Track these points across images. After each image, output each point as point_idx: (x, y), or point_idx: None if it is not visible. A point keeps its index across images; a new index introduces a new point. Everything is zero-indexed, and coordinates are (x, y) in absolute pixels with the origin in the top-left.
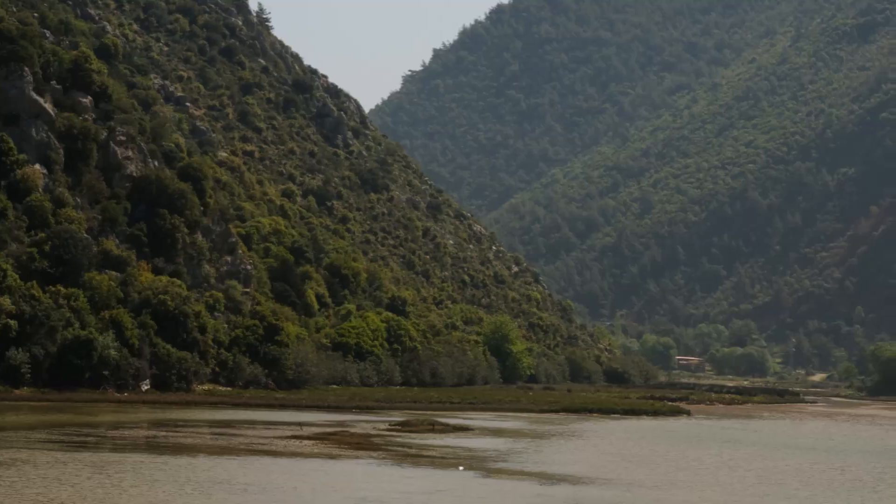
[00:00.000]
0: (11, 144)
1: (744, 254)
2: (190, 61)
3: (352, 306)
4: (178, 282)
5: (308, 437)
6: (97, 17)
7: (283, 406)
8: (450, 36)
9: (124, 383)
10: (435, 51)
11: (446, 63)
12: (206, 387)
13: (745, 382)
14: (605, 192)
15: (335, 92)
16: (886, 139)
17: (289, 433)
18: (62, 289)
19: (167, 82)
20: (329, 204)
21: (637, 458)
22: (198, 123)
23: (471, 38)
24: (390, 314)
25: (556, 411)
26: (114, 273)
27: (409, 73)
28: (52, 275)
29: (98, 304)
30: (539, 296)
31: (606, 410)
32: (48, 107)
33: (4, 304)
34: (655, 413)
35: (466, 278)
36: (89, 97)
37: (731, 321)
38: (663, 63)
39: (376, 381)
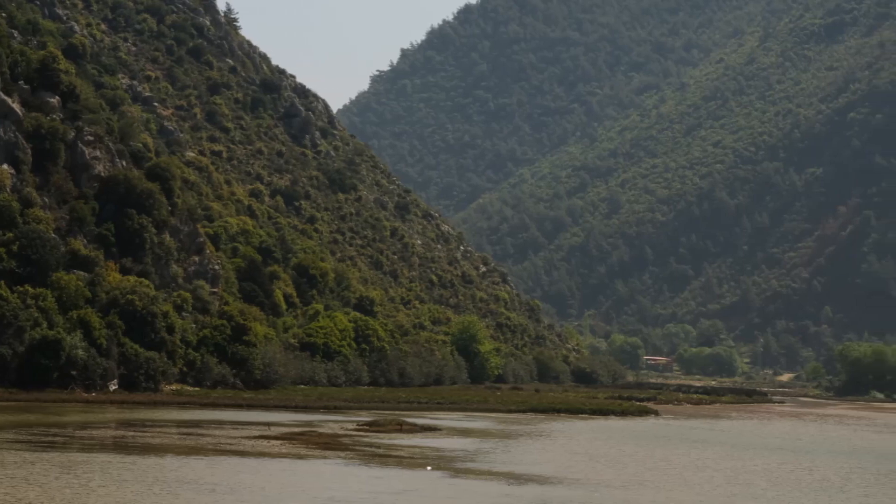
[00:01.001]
0: None
1: (712, 254)
2: (158, 61)
3: (320, 306)
4: (146, 282)
5: (276, 438)
6: (65, 18)
7: (250, 406)
8: (418, 36)
9: (92, 383)
10: (403, 51)
11: (414, 63)
12: (174, 387)
13: (713, 382)
14: (573, 192)
15: (303, 92)
16: (854, 139)
17: (257, 433)
18: (30, 289)
19: (135, 82)
20: (297, 204)
21: (605, 458)
22: (166, 123)
23: (439, 37)
24: (358, 314)
25: (524, 411)
26: (82, 273)
27: (377, 72)
28: (19, 275)
29: (66, 304)
30: (507, 296)
31: (574, 410)
32: (16, 107)
33: None
34: (623, 413)
35: (434, 278)
36: (57, 97)
37: (698, 321)
38: (631, 63)
39: (344, 381)
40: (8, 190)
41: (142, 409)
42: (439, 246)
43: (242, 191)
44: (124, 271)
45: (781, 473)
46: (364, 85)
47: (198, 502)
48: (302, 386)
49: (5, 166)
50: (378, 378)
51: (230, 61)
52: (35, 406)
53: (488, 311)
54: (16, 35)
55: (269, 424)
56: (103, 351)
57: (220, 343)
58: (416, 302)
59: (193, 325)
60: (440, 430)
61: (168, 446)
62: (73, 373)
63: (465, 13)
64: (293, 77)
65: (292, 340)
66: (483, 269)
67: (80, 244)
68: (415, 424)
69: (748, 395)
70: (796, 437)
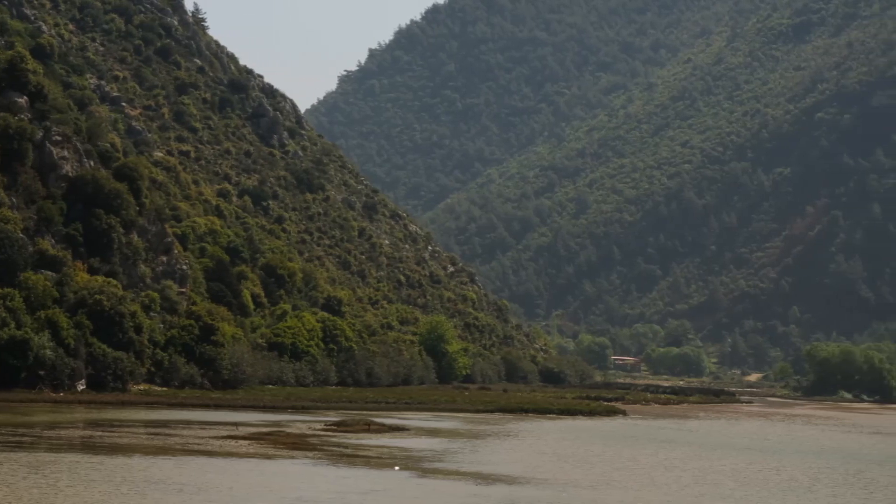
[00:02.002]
0: None
1: (679, 254)
2: (126, 61)
3: (287, 306)
4: (114, 282)
5: (243, 437)
6: (33, 17)
7: (218, 406)
8: (385, 36)
9: (60, 383)
10: (371, 50)
11: (382, 63)
12: (141, 387)
13: (681, 382)
14: (541, 192)
15: (271, 92)
16: (822, 139)
17: (224, 433)
18: None
19: (103, 82)
20: (265, 204)
21: (572, 458)
22: (133, 123)
23: (406, 38)
24: (326, 314)
25: (492, 411)
26: (50, 273)
27: (345, 72)
28: None
29: (34, 304)
30: (475, 296)
31: (542, 410)
32: None
33: None
34: (591, 413)
35: (402, 278)
36: (25, 97)
37: (666, 321)
38: (599, 63)
39: (312, 381)
40: None
41: (110, 409)
42: (407, 246)
43: (210, 191)
44: (92, 271)
45: (749, 473)
46: (332, 85)
47: (165, 502)
48: (270, 386)
49: None
50: (346, 378)
51: (198, 61)
52: (2, 406)
53: (456, 311)
54: None
55: (236, 424)
56: (71, 351)
57: (188, 343)
58: (384, 302)
59: (161, 325)
60: (408, 430)
61: (136, 446)
62: (41, 373)
63: (432, 13)
64: (261, 77)
65: (260, 340)
66: (451, 269)
67: (47, 244)
68: (383, 424)
69: (716, 396)
70: (764, 437)
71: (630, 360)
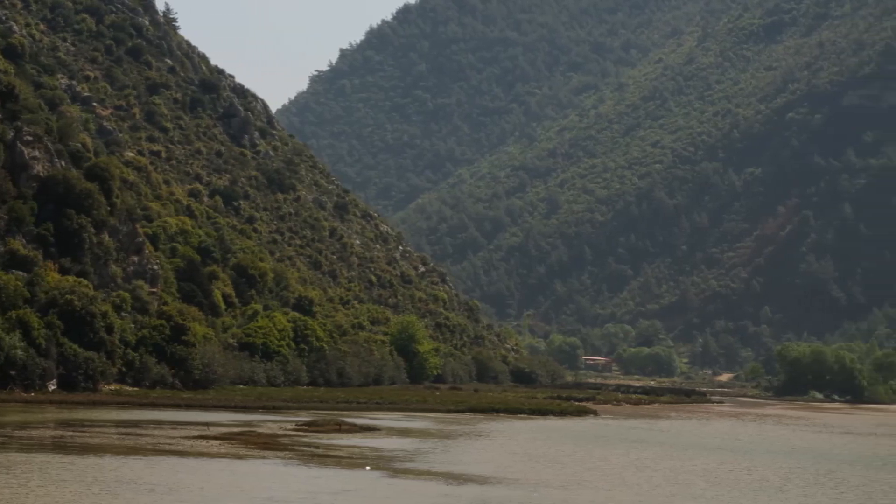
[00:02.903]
0: None
1: (650, 254)
2: (97, 61)
3: (258, 306)
4: (85, 282)
5: (215, 437)
6: (4, 17)
7: (189, 406)
8: (357, 36)
9: (31, 383)
10: (342, 51)
11: (353, 63)
12: (112, 387)
13: (652, 382)
14: (512, 192)
15: (242, 92)
16: (793, 139)
17: (195, 433)
18: None
19: (74, 82)
20: (236, 204)
21: (544, 458)
22: (104, 123)
23: (378, 38)
24: (297, 314)
25: (463, 411)
26: (20, 273)
27: (316, 72)
28: None
29: (4, 304)
30: (446, 296)
31: (513, 410)
32: None
33: None
34: (562, 413)
35: (373, 278)
36: None
37: (637, 321)
38: (570, 63)
39: (283, 381)
40: None
41: (81, 409)
42: (378, 246)
43: (181, 191)
44: (63, 271)
45: (720, 473)
46: (303, 85)
47: (137, 502)
48: (241, 386)
49: None
50: (317, 378)
51: (169, 61)
52: None
53: (427, 311)
54: None
55: (208, 424)
56: (42, 351)
57: (158, 343)
58: (355, 302)
59: (132, 325)
60: (379, 430)
61: (107, 446)
62: (12, 373)
63: (403, 13)
64: (232, 77)
65: (231, 340)
66: (422, 269)
67: (19, 244)
68: (354, 424)
69: (687, 396)
70: (735, 437)
71: (601, 360)
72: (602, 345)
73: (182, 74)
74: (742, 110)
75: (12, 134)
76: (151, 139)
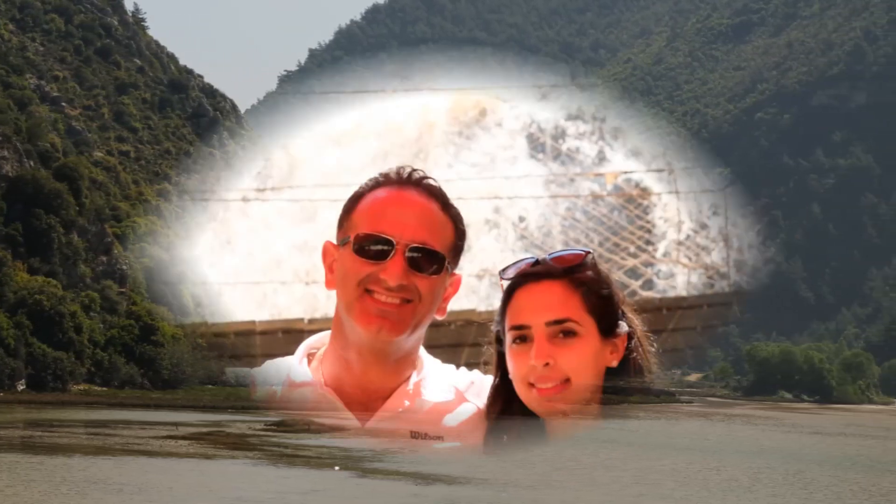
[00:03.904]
0: None
1: None
2: (66, 61)
3: None
4: (54, 282)
5: (184, 437)
6: None
7: (158, 406)
8: (325, 36)
9: (0, 383)
10: (311, 51)
11: (322, 63)
12: (81, 387)
13: (621, 382)
14: None
15: (211, 92)
16: (762, 139)
17: (164, 433)
18: None
19: (43, 82)
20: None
21: (513, 457)
22: (73, 123)
23: (346, 37)
24: None
25: None
26: None
27: (285, 73)
28: None
29: None
30: None
31: None
32: None
33: None
34: None
35: None
36: None
37: None
38: (539, 63)
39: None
40: None
41: (49, 409)
42: None
43: (150, 191)
44: (32, 271)
45: (689, 473)
46: (272, 85)
47: (105, 502)
48: (210, 386)
49: None
50: None
51: (138, 61)
52: None
53: None
54: None
55: (176, 424)
56: (11, 351)
57: (127, 343)
58: None
59: (101, 325)
60: (349, 429)
61: (76, 446)
62: None
63: (372, 13)
64: (201, 77)
65: (200, 340)
66: None
67: None
68: (323, 424)
69: (656, 395)
70: (704, 436)
71: None
72: None
73: (151, 74)
74: (711, 110)
75: None
76: (120, 139)
